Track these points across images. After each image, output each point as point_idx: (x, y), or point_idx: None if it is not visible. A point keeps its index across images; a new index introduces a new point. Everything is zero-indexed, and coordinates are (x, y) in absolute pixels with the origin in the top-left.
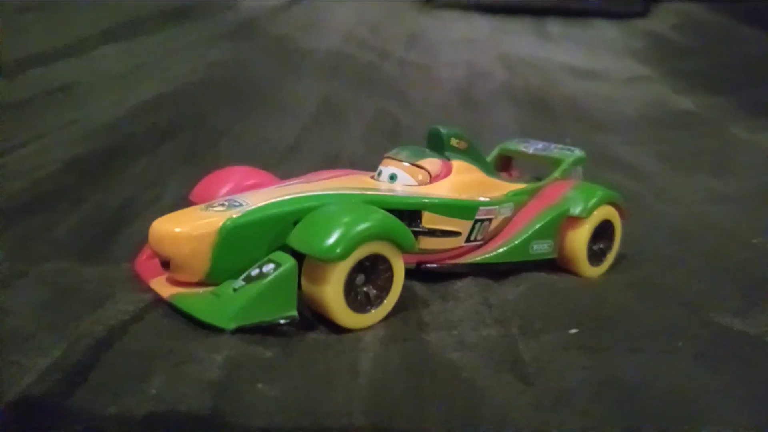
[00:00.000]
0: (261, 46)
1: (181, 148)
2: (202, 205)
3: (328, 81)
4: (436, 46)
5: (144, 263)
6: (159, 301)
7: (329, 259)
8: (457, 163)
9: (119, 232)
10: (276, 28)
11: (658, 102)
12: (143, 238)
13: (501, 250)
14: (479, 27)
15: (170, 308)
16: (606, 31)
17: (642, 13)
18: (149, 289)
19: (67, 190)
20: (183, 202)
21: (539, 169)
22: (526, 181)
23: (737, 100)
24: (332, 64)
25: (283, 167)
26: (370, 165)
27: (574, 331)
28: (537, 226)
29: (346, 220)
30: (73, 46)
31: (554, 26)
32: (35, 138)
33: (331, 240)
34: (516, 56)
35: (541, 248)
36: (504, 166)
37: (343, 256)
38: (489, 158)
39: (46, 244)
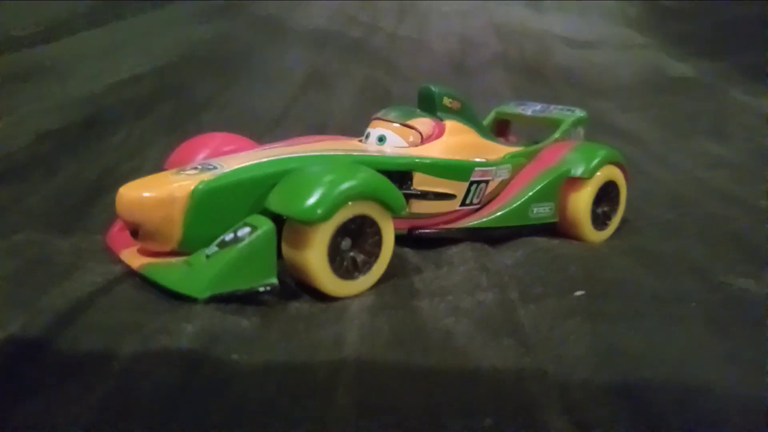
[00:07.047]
0: (246, 25)
1: (162, 118)
2: (174, 170)
3: (316, 53)
4: (428, 18)
5: (116, 235)
6: (129, 273)
7: (310, 220)
8: (450, 124)
9: (95, 203)
10: (262, 7)
11: (655, 68)
12: None
13: (499, 213)
14: None
15: (141, 280)
16: None
17: None
18: (120, 261)
19: (41, 161)
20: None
21: (538, 134)
22: (525, 145)
23: (735, 64)
24: (320, 40)
25: (270, 136)
26: (359, 133)
27: (579, 293)
28: (536, 188)
29: (328, 179)
30: (52, 29)
31: None
32: (8, 112)
33: (312, 200)
34: (510, 26)
35: (542, 211)
36: (501, 130)
37: (326, 217)
38: (485, 122)
39: (18, 214)
